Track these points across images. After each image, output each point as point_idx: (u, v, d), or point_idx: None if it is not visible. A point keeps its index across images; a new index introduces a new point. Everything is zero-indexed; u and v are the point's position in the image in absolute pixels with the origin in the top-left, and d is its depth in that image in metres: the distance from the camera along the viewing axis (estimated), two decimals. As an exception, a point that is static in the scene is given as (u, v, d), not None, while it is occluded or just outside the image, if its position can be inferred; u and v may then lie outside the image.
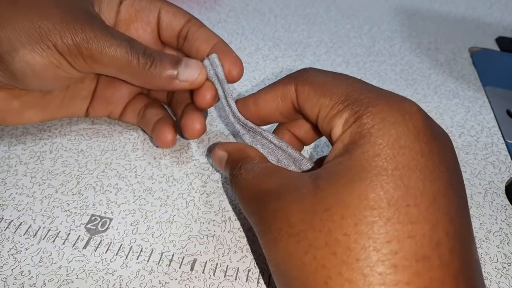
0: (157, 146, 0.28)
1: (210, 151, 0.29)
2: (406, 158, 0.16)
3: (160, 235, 0.24)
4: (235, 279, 0.22)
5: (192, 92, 0.26)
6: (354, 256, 0.15)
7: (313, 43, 0.42)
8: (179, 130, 0.27)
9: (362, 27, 0.45)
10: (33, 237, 0.23)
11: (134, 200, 0.25)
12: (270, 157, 0.23)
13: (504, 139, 0.32)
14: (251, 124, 0.24)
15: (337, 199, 0.16)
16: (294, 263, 0.16)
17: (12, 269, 0.21)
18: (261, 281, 0.22)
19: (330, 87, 0.19)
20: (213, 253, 0.23)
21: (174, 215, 0.25)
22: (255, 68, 0.37)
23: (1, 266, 0.21)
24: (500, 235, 0.25)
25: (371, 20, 0.47)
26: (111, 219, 0.24)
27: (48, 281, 0.21)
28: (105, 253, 0.22)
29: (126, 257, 0.22)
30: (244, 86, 0.35)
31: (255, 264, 0.23)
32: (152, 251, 0.23)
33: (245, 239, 0.24)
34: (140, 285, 0.21)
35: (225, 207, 0.25)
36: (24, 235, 0.23)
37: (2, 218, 0.24)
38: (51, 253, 0.22)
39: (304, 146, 0.28)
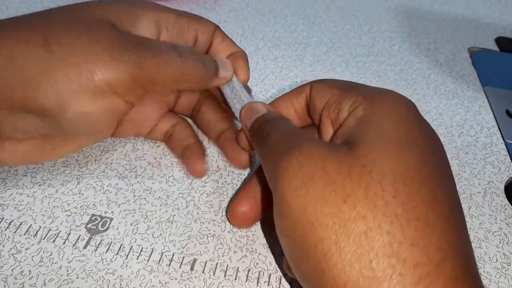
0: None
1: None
2: (420, 136, 0.18)
3: (160, 235, 0.24)
4: (235, 278, 0.22)
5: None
6: (393, 210, 0.15)
7: (313, 43, 0.42)
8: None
9: (362, 27, 0.45)
10: (34, 237, 0.23)
11: (134, 200, 0.25)
12: None
13: (503, 139, 0.32)
14: None
15: (374, 159, 0.16)
16: (328, 210, 0.16)
17: (12, 269, 0.21)
18: (261, 280, 0.22)
19: (340, 83, 0.22)
20: (213, 253, 0.23)
21: (174, 215, 0.25)
22: (255, 68, 0.37)
23: (2, 266, 0.21)
24: (499, 235, 0.25)
25: (370, 20, 0.47)
26: (111, 219, 0.24)
27: (49, 281, 0.21)
28: (106, 253, 0.22)
29: (127, 257, 0.22)
30: (244, 86, 0.35)
31: (255, 264, 0.23)
32: (152, 251, 0.23)
33: (245, 238, 0.24)
34: (140, 285, 0.21)
35: (225, 207, 0.25)
36: (24, 235, 0.23)
37: (3, 218, 0.24)
38: (51, 253, 0.22)
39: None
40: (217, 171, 0.27)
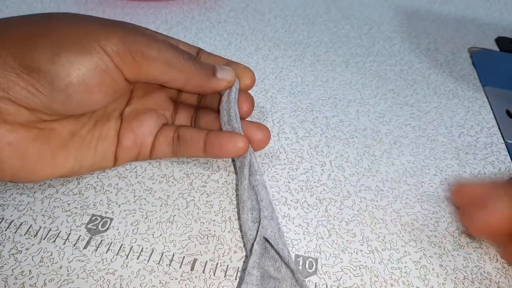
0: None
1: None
2: None
3: (160, 235, 0.24)
4: (235, 278, 0.22)
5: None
6: None
7: (313, 43, 0.42)
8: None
9: (362, 28, 0.45)
10: (34, 237, 0.23)
11: (134, 200, 0.25)
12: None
13: (503, 139, 0.32)
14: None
15: None
16: None
17: (12, 269, 0.21)
18: (262, 281, 0.22)
19: None
20: (213, 253, 0.23)
21: (175, 215, 0.25)
22: (255, 68, 0.37)
23: (2, 266, 0.21)
24: (499, 235, 0.25)
25: (370, 21, 0.47)
26: (111, 219, 0.24)
27: (49, 281, 0.21)
28: (106, 253, 0.22)
29: (127, 257, 0.22)
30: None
31: (256, 264, 0.23)
32: (152, 251, 0.23)
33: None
34: (140, 285, 0.21)
35: (225, 207, 0.25)
36: (24, 235, 0.23)
37: (3, 218, 0.24)
38: (51, 253, 0.22)
39: (304, 147, 0.28)
40: (217, 171, 0.27)
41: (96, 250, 0.23)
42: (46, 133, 0.22)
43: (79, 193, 0.25)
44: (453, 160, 0.30)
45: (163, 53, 0.22)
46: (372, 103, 0.34)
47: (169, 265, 0.22)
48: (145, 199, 0.25)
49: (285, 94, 0.35)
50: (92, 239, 0.23)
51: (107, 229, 0.24)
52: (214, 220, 0.25)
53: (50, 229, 0.23)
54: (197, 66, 0.24)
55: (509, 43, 0.44)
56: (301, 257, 0.23)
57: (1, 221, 0.23)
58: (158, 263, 0.22)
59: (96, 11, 0.44)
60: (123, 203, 0.25)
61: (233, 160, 0.27)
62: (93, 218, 0.24)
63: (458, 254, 0.24)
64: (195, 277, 0.22)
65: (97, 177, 0.26)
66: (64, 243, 0.23)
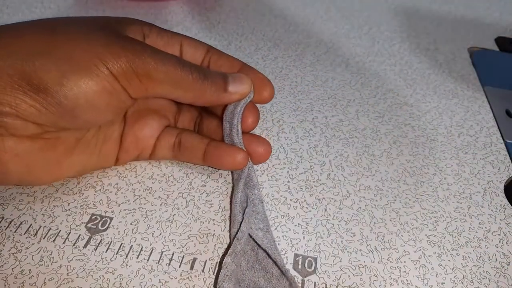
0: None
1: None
2: None
3: (160, 234, 0.24)
4: (235, 278, 0.22)
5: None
6: None
7: (313, 43, 0.42)
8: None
9: (362, 28, 0.45)
10: (34, 236, 0.23)
11: (134, 199, 0.25)
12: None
13: (503, 139, 0.32)
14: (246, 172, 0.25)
15: None
16: None
17: (12, 268, 0.21)
18: (261, 280, 0.22)
19: None
20: (213, 252, 0.23)
21: (174, 214, 0.25)
22: (255, 68, 0.37)
23: (2, 265, 0.21)
24: (499, 235, 0.25)
25: (370, 21, 0.47)
26: (111, 218, 0.24)
27: (49, 280, 0.21)
28: (105, 252, 0.23)
29: (126, 256, 0.22)
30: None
31: (255, 263, 0.23)
32: (152, 250, 0.23)
33: (245, 238, 0.24)
34: (140, 284, 0.21)
35: (224, 207, 0.25)
36: (24, 234, 0.23)
37: (3, 218, 0.24)
38: (51, 252, 0.22)
39: (303, 146, 0.28)
40: (216, 171, 0.27)
41: (95, 249, 0.23)
42: (52, 142, 0.22)
43: (79, 192, 0.25)
44: (452, 159, 0.30)
45: (171, 76, 0.22)
46: (371, 102, 0.34)
47: (169, 264, 0.22)
48: (144, 198, 0.25)
49: (285, 94, 0.35)
50: (92, 238, 0.23)
51: (107, 228, 0.24)
52: (213, 220, 0.25)
53: (50, 228, 0.23)
54: (206, 84, 0.23)
55: (509, 43, 0.45)
56: (301, 256, 0.23)
57: (1, 220, 0.24)
58: (158, 262, 0.22)
59: (96, 11, 0.44)
60: (122, 203, 0.25)
61: (231, 172, 0.27)
62: (93, 217, 0.24)
63: (457, 254, 0.24)
64: (195, 276, 0.22)
65: (97, 177, 0.26)
66: (64, 242, 0.23)
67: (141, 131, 0.26)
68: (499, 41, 0.45)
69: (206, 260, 0.23)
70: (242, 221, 0.23)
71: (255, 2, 0.48)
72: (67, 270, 0.22)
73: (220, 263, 0.22)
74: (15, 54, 0.19)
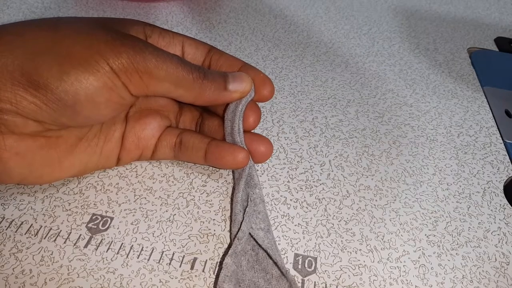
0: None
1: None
2: None
3: (160, 234, 0.24)
4: (235, 277, 0.22)
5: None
6: None
7: (313, 43, 0.42)
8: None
9: (362, 28, 0.45)
10: (35, 236, 0.23)
11: (135, 199, 0.25)
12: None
13: (502, 139, 0.32)
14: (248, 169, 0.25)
15: None
16: None
17: (13, 268, 0.21)
18: (261, 279, 0.22)
19: None
20: (213, 252, 0.23)
21: (175, 214, 0.25)
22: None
23: (3, 265, 0.22)
24: (498, 235, 0.25)
25: (370, 21, 0.47)
26: (112, 218, 0.24)
27: (49, 280, 0.21)
28: (106, 252, 0.23)
29: (127, 256, 0.22)
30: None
31: (255, 263, 0.23)
32: (152, 250, 0.23)
33: (245, 238, 0.24)
34: (140, 284, 0.21)
35: (225, 206, 0.25)
36: (25, 234, 0.23)
37: (4, 218, 0.24)
38: (52, 252, 0.22)
39: (303, 146, 0.28)
40: (217, 171, 0.27)
41: (96, 249, 0.23)
42: (53, 140, 0.22)
43: (80, 192, 0.25)
44: (452, 160, 0.30)
45: (172, 74, 0.22)
46: (371, 103, 0.35)
47: (169, 264, 0.22)
48: (145, 198, 0.25)
49: (285, 94, 0.35)
50: (93, 238, 0.23)
51: (108, 228, 0.24)
52: (214, 219, 0.25)
53: (51, 228, 0.23)
54: (206, 83, 0.23)
55: (508, 43, 0.45)
56: (301, 256, 0.23)
57: (2, 220, 0.24)
58: (158, 262, 0.22)
59: (97, 11, 0.44)
60: (123, 203, 0.25)
61: (232, 171, 0.27)
62: (94, 217, 0.24)
63: (456, 253, 0.24)
64: (195, 276, 0.22)
65: (98, 177, 0.26)
66: (64, 242, 0.23)
67: (143, 131, 0.26)
68: (499, 41, 0.45)
69: (206, 260, 0.23)
70: (242, 220, 0.23)
71: (255, 3, 0.48)
72: (68, 270, 0.22)
73: (221, 263, 0.22)
74: (17, 51, 0.19)
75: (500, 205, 0.27)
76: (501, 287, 0.23)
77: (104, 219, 0.24)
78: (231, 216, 0.25)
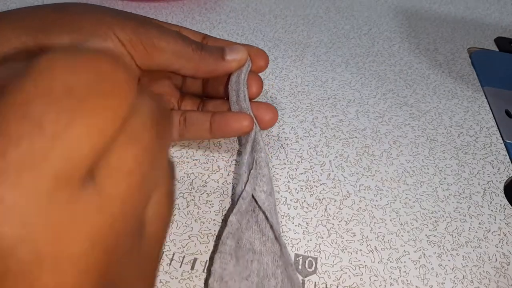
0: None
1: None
2: None
3: (160, 234, 0.24)
4: (236, 278, 0.22)
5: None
6: None
7: (313, 43, 0.42)
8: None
9: (362, 28, 0.45)
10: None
11: (135, 199, 0.25)
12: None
13: (502, 139, 0.32)
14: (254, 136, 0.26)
15: None
16: None
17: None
18: (261, 280, 0.22)
19: None
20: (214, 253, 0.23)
21: (175, 214, 0.25)
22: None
23: None
24: (499, 235, 0.25)
25: (370, 21, 0.47)
26: (112, 219, 0.24)
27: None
28: (106, 252, 0.23)
29: (127, 256, 0.22)
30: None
31: (255, 263, 0.23)
32: (153, 251, 0.23)
33: (246, 238, 0.24)
34: (141, 284, 0.21)
35: (225, 207, 0.25)
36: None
37: None
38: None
39: (303, 147, 0.28)
40: (217, 171, 0.27)
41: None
42: None
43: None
44: (452, 160, 0.30)
45: (172, 45, 0.24)
46: (371, 103, 0.34)
47: (169, 264, 0.22)
48: (145, 198, 0.25)
49: (285, 94, 0.35)
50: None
51: (108, 228, 0.24)
52: (214, 220, 0.25)
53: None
54: (205, 54, 0.25)
55: (508, 43, 0.45)
56: (301, 257, 0.23)
57: None
58: (159, 263, 0.22)
59: (96, 11, 0.44)
60: (123, 203, 0.25)
61: (238, 138, 0.28)
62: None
63: (457, 254, 0.24)
64: (195, 276, 0.22)
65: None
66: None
67: None
68: (499, 41, 0.45)
69: (206, 260, 0.23)
70: (247, 181, 0.24)
71: (255, 3, 0.48)
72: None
73: (225, 220, 0.23)
74: (31, 24, 0.21)
75: (501, 205, 0.27)
76: (502, 287, 0.23)
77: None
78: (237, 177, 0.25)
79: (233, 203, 0.25)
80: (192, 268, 0.22)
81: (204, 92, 0.29)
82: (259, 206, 0.23)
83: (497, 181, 0.29)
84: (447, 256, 0.24)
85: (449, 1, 0.53)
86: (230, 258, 0.22)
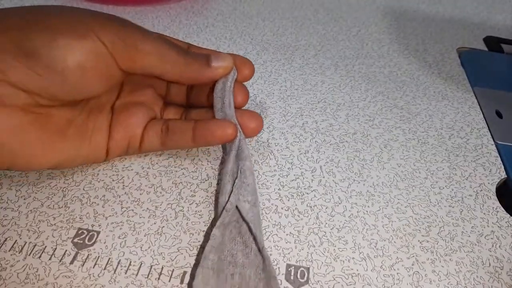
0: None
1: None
2: None
3: (149, 247, 0.23)
4: (226, 291, 0.21)
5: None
6: None
7: (302, 46, 0.41)
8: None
9: (350, 30, 0.45)
10: (19, 253, 0.22)
11: (122, 212, 0.25)
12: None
13: (493, 140, 0.32)
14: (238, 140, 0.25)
15: None
16: None
17: (-4, 288, 0.21)
18: (253, 292, 0.22)
19: None
20: (204, 265, 0.22)
21: (163, 226, 0.24)
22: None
23: (-15, 285, 0.21)
24: (492, 238, 0.25)
25: (359, 22, 0.46)
26: (98, 232, 0.24)
27: (34, 299, 0.20)
28: (93, 267, 0.22)
29: (114, 271, 0.22)
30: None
31: (246, 275, 0.22)
32: (141, 265, 0.22)
33: (236, 249, 0.23)
34: (129, 300, 0.21)
35: (215, 217, 0.25)
36: (9, 251, 0.22)
37: (-14, 234, 0.23)
38: (37, 269, 0.22)
39: (294, 152, 0.27)
40: (206, 180, 0.27)
41: (82, 265, 0.22)
42: (44, 118, 0.22)
43: (65, 206, 0.25)
44: (443, 162, 0.30)
45: (157, 48, 0.23)
46: (361, 106, 0.34)
47: (158, 278, 0.22)
48: (132, 210, 0.25)
49: (274, 99, 0.34)
50: (79, 254, 0.22)
51: (94, 242, 0.23)
52: (203, 231, 0.24)
53: (36, 244, 0.23)
54: (189, 58, 0.24)
55: (497, 43, 0.45)
56: (293, 267, 0.23)
57: (-16, 237, 0.23)
58: (147, 277, 0.22)
59: (81, 17, 0.43)
60: (110, 216, 0.24)
61: (223, 147, 0.28)
62: (80, 231, 0.24)
63: (450, 259, 0.24)
64: (185, 290, 0.21)
65: (83, 189, 0.26)
66: (50, 259, 0.22)
67: (128, 120, 0.26)
68: (488, 40, 0.45)
69: (196, 273, 0.22)
70: (232, 192, 0.23)
71: (243, 6, 0.48)
72: (53, 288, 0.21)
73: (207, 233, 0.23)
74: (6, 22, 0.20)
75: (493, 208, 0.27)
76: (496, 292, 0.22)
77: (91, 233, 0.24)
78: (218, 185, 0.25)
79: (216, 215, 0.24)
80: (182, 282, 0.22)
81: (188, 102, 0.28)
82: (242, 217, 0.23)
83: (488, 183, 0.28)
84: (440, 262, 0.24)
85: (437, 1, 0.53)
86: (212, 273, 0.21)
